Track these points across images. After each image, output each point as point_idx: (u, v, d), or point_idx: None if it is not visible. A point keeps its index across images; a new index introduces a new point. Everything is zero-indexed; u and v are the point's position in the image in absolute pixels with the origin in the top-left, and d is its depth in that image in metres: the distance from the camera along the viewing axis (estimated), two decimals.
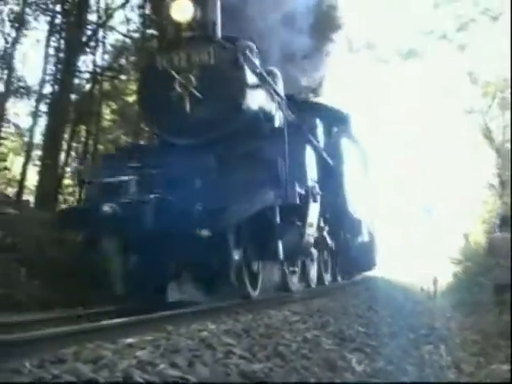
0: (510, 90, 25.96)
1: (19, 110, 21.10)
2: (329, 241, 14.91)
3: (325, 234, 14.16)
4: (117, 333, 5.18)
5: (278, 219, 8.96)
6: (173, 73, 9.49)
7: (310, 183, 10.32)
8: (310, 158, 10.61)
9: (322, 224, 13.38)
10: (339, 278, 18.12)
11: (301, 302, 9.94)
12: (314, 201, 10.50)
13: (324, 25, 22.52)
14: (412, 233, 46.67)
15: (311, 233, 10.90)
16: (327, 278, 15.91)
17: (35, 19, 19.55)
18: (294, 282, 12.21)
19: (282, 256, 9.15)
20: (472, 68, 30.69)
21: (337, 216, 15.21)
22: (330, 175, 13.69)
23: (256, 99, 10.50)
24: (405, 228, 46.76)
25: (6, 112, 19.02)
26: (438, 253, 30.86)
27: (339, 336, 6.28)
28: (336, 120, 17.36)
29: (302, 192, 9.64)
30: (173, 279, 8.50)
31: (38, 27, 20.07)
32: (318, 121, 14.75)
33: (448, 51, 31.23)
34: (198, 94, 9.43)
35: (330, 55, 24.52)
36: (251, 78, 10.21)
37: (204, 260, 8.29)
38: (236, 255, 8.68)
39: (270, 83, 11.37)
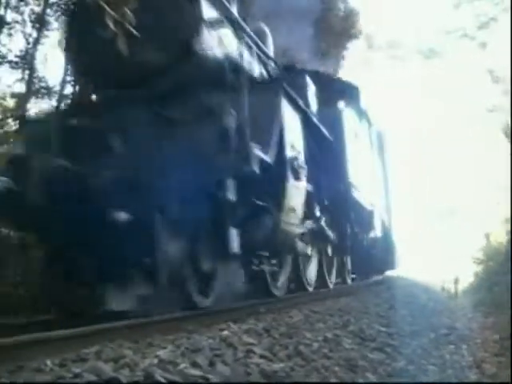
0: None
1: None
2: (329, 234, 12.34)
3: (323, 225, 11.65)
4: (138, 332, 5.18)
5: (229, 197, 6.39)
6: (103, 4, 6.44)
7: (289, 152, 8.05)
8: (287, 117, 8.16)
9: (317, 212, 11.16)
10: (349, 280, 15.36)
11: (321, 301, 9.84)
12: (296, 178, 8.20)
13: (344, 29, 22.49)
14: (434, 232, 46.48)
15: (294, 221, 8.50)
16: (331, 279, 13.25)
17: (56, 20, 19.66)
18: (279, 284, 9.73)
19: (235, 249, 6.58)
20: (493, 66, 30.53)
21: (340, 205, 12.77)
22: (331, 154, 11.61)
23: (218, 42, 7.85)
24: (427, 227, 46.60)
25: (28, 112, 19.11)
26: (459, 252, 30.73)
27: (360, 335, 6.27)
28: (342, 92, 14.68)
29: (269, 160, 7.07)
30: (100, 281, 6.35)
31: (59, 28, 20.16)
32: (308, 80, 11.48)
33: (470, 49, 31.10)
34: (135, 31, 6.43)
35: (348, 55, 24.54)
36: (209, 13, 7.74)
37: (125, 255, 5.91)
38: (171, 248, 6.07)
39: (249, 33, 8.73)
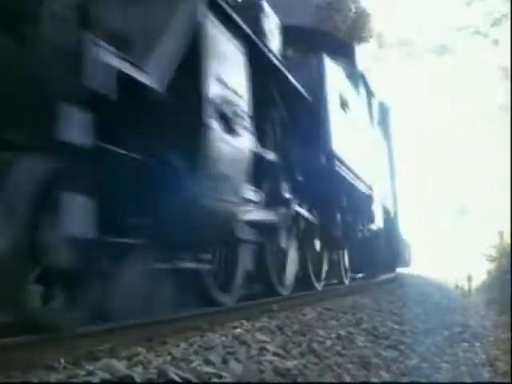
0: None
1: None
2: (310, 221, 9.83)
3: (297, 208, 8.99)
4: (151, 330, 5.18)
5: (67, 138, 3.50)
6: None
7: (214, 88, 5.11)
8: (213, 36, 5.26)
9: (286, 192, 8.48)
10: (346, 280, 13.06)
11: (334, 298, 9.80)
12: (229, 130, 5.36)
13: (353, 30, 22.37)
14: (446, 229, 46.40)
15: (234, 198, 5.71)
16: (320, 279, 10.87)
17: None
18: (227, 288, 7.07)
19: (85, 232, 3.71)
20: (506, 63, 30.46)
21: (322, 183, 9.61)
22: (305, 115, 9.05)
23: None
24: (439, 224, 46.53)
25: None
26: (473, 250, 30.64)
27: (373, 333, 6.27)
28: (328, 46, 11.34)
29: (147, 83, 4.30)
30: None
31: None
32: (265, 6, 7.82)
33: (482, 47, 31.04)
34: None
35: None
36: None
37: None
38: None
39: None
